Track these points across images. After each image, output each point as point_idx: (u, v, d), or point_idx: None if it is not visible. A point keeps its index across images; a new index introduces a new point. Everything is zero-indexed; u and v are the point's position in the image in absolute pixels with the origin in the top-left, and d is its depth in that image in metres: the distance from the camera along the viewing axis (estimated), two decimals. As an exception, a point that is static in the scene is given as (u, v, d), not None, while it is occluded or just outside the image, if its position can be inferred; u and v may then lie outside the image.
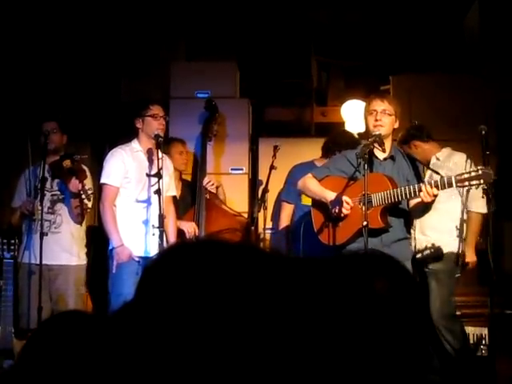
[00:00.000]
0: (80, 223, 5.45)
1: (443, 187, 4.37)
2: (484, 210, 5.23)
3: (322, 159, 5.84)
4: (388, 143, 4.71)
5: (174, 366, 0.65)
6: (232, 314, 0.66)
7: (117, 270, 5.05)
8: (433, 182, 4.38)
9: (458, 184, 4.32)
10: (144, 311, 0.69)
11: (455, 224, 5.38)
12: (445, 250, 5.32)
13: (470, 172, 4.30)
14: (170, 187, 5.42)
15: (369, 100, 4.75)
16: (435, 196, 4.37)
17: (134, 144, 5.28)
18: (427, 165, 5.25)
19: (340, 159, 4.89)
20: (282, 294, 0.70)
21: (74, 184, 5.14)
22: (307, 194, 4.99)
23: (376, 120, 4.62)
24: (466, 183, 4.29)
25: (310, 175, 4.87)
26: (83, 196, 5.15)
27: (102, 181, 5.22)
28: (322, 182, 4.79)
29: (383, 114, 4.64)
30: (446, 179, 4.35)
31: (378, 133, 4.59)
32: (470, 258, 5.37)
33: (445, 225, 5.29)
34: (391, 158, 4.73)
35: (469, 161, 5.29)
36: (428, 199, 4.36)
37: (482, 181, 4.26)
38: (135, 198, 5.17)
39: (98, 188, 5.47)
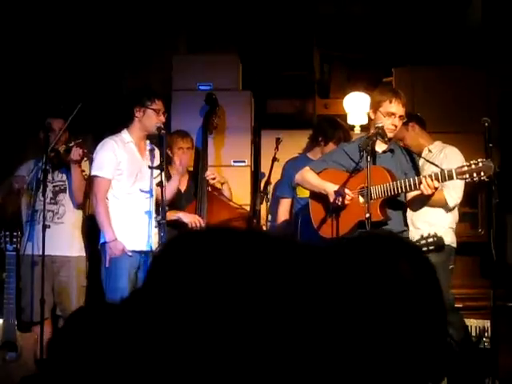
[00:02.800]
0: (83, 190, 5.43)
1: (444, 180, 4.36)
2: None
3: (314, 152, 5.90)
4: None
5: (183, 355, 0.64)
6: (244, 303, 0.64)
7: (110, 264, 4.97)
8: (433, 174, 4.37)
9: (459, 176, 4.31)
10: (152, 300, 0.68)
11: (446, 215, 5.36)
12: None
13: (470, 164, 4.28)
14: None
15: (388, 97, 4.63)
16: (435, 188, 4.36)
17: (124, 134, 5.15)
18: (419, 154, 5.22)
19: (337, 152, 4.90)
20: (301, 281, 0.68)
21: (76, 152, 5.18)
22: (306, 186, 4.96)
23: (393, 125, 4.61)
24: (467, 175, 4.28)
25: (307, 168, 4.87)
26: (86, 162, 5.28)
27: (94, 173, 5.08)
28: (321, 175, 4.79)
29: (400, 120, 4.63)
30: (446, 171, 4.34)
31: (380, 125, 4.58)
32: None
33: (435, 217, 5.26)
34: (390, 151, 4.72)
35: (460, 154, 5.27)
36: (428, 191, 4.35)
37: (482, 173, 4.25)
38: (127, 190, 5.09)
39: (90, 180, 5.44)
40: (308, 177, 4.83)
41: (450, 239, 5.37)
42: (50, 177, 5.40)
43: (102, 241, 5.06)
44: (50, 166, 5.38)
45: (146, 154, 5.16)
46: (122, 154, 5.09)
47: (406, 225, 4.83)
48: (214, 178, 5.78)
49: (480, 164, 4.25)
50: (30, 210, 5.39)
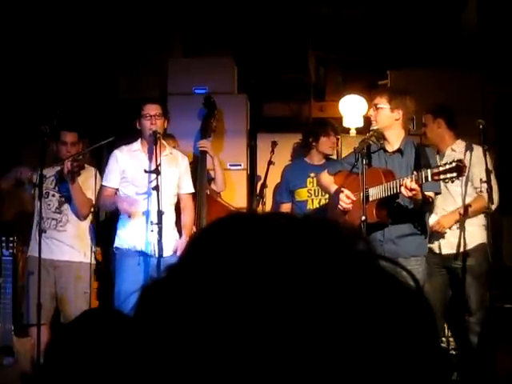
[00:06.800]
0: (89, 210, 5.54)
1: (421, 181, 4.28)
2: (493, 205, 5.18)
3: (310, 155, 5.96)
4: (393, 136, 4.69)
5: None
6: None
7: (117, 267, 5.14)
8: (413, 176, 4.31)
9: (434, 177, 4.24)
10: (190, 274, 0.63)
11: (482, 215, 5.25)
12: (475, 242, 5.19)
13: (445, 165, 4.25)
14: (184, 184, 5.41)
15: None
16: (413, 190, 4.24)
17: (136, 143, 5.34)
18: (437, 151, 5.20)
19: (352, 153, 4.93)
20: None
21: (65, 164, 5.24)
22: (321, 189, 5.36)
23: (370, 115, 4.74)
24: (441, 176, 4.23)
25: (325, 171, 5.05)
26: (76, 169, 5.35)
27: (102, 183, 5.39)
28: (335, 177, 4.92)
29: (374, 109, 4.70)
30: (423, 173, 4.27)
31: (375, 127, 4.62)
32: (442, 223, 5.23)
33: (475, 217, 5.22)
34: (399, 151, 4.70)
35: (486, 153, 5.16)
36: (408, 193, 4.26)
37: (455, 174, 4.21)
38: (134, 196, 5.18)
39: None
40: (321, 179, 5.05)
41: (485, 238, 5.17)
42: (57, 187, 5.53)
43: (114, 245, 5.24)
44: (56, 178, 5.50)
45: (156, 158, 5.09)
46: (125, 162, 5.27)
47: (420, 229, 4.66)
48: (204, 147, 5.91)
49: (454, 164, 4.21)
50: (38, 217, 5.43)
